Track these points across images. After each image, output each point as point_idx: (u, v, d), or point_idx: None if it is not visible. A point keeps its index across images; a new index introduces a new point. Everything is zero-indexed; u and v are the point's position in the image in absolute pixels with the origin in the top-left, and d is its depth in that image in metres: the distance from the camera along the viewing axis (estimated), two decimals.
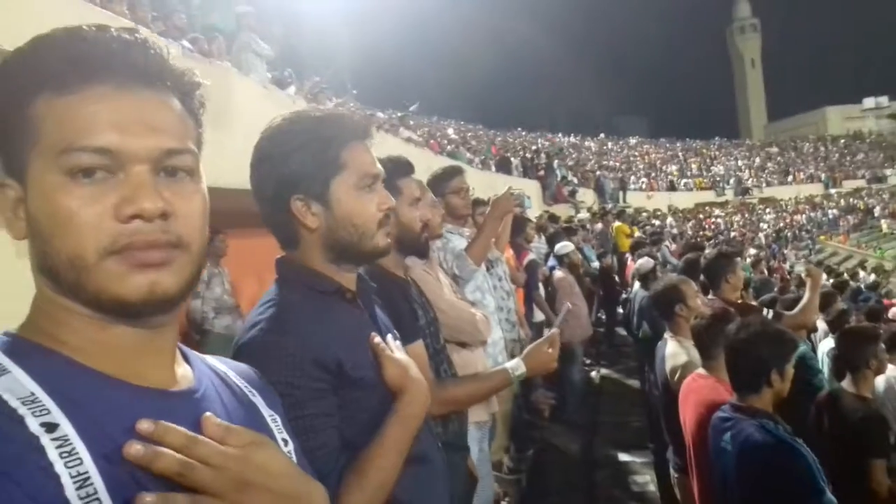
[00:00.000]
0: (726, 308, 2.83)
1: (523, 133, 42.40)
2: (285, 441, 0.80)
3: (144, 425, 0.61)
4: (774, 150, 54.49)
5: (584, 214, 16.22)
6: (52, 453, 0.56)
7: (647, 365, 5.83)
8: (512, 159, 21.56)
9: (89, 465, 0.57)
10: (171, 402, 0.68)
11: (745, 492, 2.12)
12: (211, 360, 0.85)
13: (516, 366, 1.80)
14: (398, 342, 1.27)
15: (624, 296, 8.36)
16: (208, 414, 0.66)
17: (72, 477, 0.56)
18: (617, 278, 9.64)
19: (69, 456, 0.57)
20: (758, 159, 50.48)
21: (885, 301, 12.55)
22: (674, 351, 3.08)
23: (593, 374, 7.37)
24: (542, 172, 20.21)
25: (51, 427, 0.58)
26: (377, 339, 1.18)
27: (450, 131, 27.09)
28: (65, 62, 0.64)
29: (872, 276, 18.63)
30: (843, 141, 58.10)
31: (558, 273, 6.53)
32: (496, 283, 3.89)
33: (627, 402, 6.38)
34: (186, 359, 0.78)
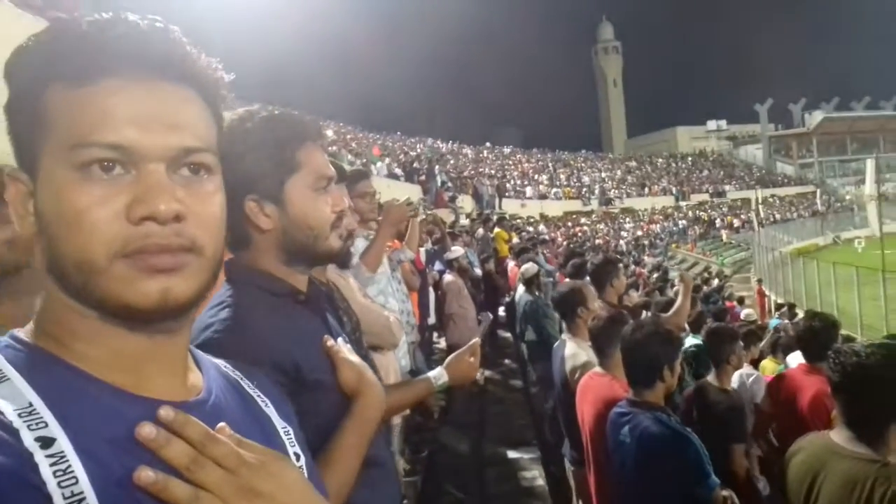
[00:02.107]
0: (621, 311, 3.06)
1: (403, 137, 42.71)
2: (297, 455, 0.77)
3: (164, 412, 0.59)
4: (633, 164, 59.17)
5: (464, 220, 16.62)
6: (46, 471, 0.53)
7: (531, 365, 6.12)
8: (397, 168, 21.68)
9: (85, 484, 0.54)
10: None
11: (643, 480, 2.31)
12: (224, 365, 0.81)
13: (439, 375, 1.79)
14: (349, 346, 1.26)
15: (507, 299, 8.68)
16: (223, 424, 0.64)
17: (65, 498, 0.52)
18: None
19: (64, 475, 0.53)
20: (619, 172, 54.50)
21: (728, 303, 14.09)
22: (573, 352, 3.27)
23: (478, 375, 7.58)
24: (423, 177, 20.50)
25: (47, 442, 0.54)
26: (331, 341, 1.17)
27: (329, 132, 26.69)
28: (81, 52, 0.60)
29: (716, 281, 20.73)
30: (690, 158, 64.37)
31: (448, 277, 6.69)
32: (396, 285, 3.93)
33: (511, 402, 6.62)
34: (198, 364, 0.74)
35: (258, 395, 0.79)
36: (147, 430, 0.57)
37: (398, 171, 23.19)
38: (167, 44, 0.63)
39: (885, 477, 1.66)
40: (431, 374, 1.81)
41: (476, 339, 1.91)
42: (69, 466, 0.54)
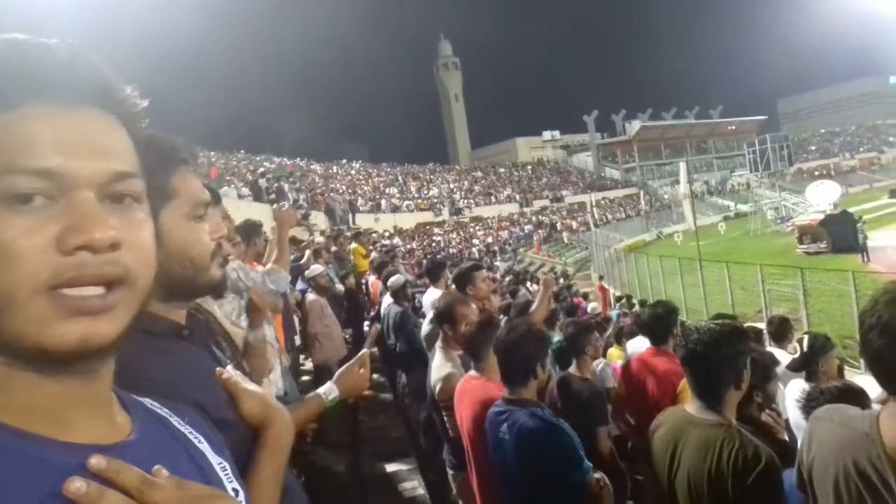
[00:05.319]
0: (491, 315, 3.19)
1: (248, 155, 41.11)
2: (236, 491, 0.73)
3: (94, 461, 0.55)
4: (479, 174, 61.71)
5: (319, 237, 16.34)
6: None
7: (404, 376, 6.15)
8: (244, 188, 20.76)
9: None
10: (110, 457, 0.59)
11: (523, 474, 2.42)
12: (150, 403, 0.75)
13: (329, 390, 1.75)
14: (241, 374, 1.20)
15: (372, 314, 8.64)
16: (159, 466, 0.59)
17: None
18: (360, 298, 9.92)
19: None
20: (466, 182, 56.52)
21: (575, 299, 15.15)
22: (439, 363, 3.33)
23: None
24: (273, 196, 19.86)
25: None
26: (227, 373, 1.11)
27: None
28: (1, 76, 0.55)
29: (562, 280, 22.21)
30: (530, 167, 68.45)
31: (310, 296, 6.56)
32: None
33: (383, 415, 6.61)
34: (123, 405, 0.68)
35: (190, 432, 0.75)
36: (76, 486, 0.52)
37: (245, 190, 22.25)
38: (90, 69, 0.60)
39: (730, 438, 1.89)
40: (321, 389, 1.76)
41: (365, 351, 1.89)
42: None
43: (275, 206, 3.42)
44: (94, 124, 0.60)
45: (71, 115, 0.58)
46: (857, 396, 2.40)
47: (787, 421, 3.11)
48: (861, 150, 72.51)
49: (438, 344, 3.38)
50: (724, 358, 1.99)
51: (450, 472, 3.45)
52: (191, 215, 1.13)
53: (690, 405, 2.04)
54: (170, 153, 1.13)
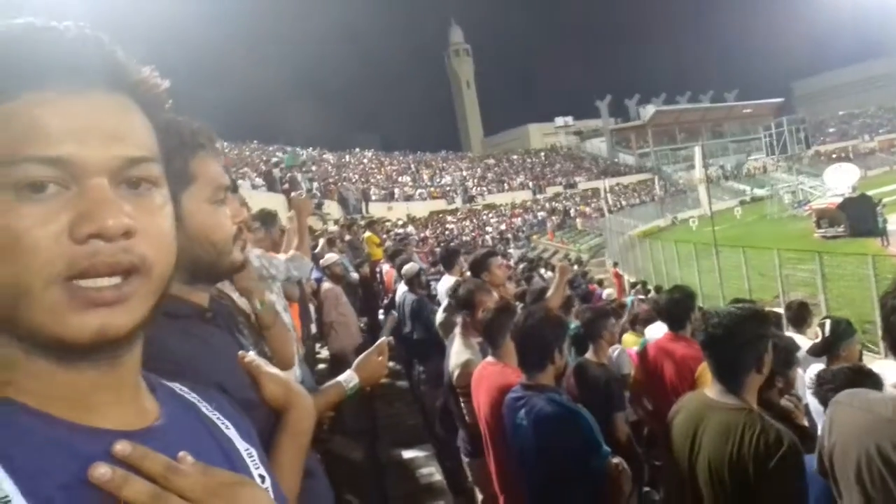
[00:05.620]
0: (508, 301, 3.19)
1: (261, 145, 41.29)
2: (262, 477, 0.72)
3: (119, 447, 0.55)
4: (491, 161, 61.52)
5: (333, 226, 16.41)
6: None
7: (421, 364, 6.18)
8: (257, 178, 20.83)
9: None
10: (135, 442, 0.59)
11: (542, 459, 2.43)
12: (179, 388, 0.75)
13: (349, 378, 1.76)
14: (263, 358, 1.21)
15: (386, 301, 8.68)
16: (184, 453, 0.59)
17: None
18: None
19: None
20: (479, 170, 56.40)
21: (591, 286, 15.09)
22: (458, 349, 3.34)
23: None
24: (286, 185, 19.93)
25: None
26: (249, 356, 1.12)
27: None
28: (5, 62, 0.54)
29: (576, 267, 22.11)
30: (543, 154, 68.10)
31: (325, 285, 6.60)
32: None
33: (400, 403, 6.64)
34: (152, 389, 0.68)
35: (218, 418, 0.75)
36: (101, 472, 0.52)
37: (259, 180, 22.34)
38: (100, 51, 0.58)
39: (751, 422, 1.88)
40: (341, 377, 1.77)
41: (383, 339, 1.89)
42: None
43: (293, 194, 3.50)
44: (105, 108, 0.58)
45: (81, 99, 0.57)
46: (868, 379, 2.38)
47: (806, 406, 3.09)
48: (881, 131, 71.14)
49: (458, 330, 3.38)
50: (745, 342, 1.97)
51: (465, 458, 3.47)
52: (212, 199, 1.13)
53: (710, 389, 2.03)
54: (189, 137, 1.13)
